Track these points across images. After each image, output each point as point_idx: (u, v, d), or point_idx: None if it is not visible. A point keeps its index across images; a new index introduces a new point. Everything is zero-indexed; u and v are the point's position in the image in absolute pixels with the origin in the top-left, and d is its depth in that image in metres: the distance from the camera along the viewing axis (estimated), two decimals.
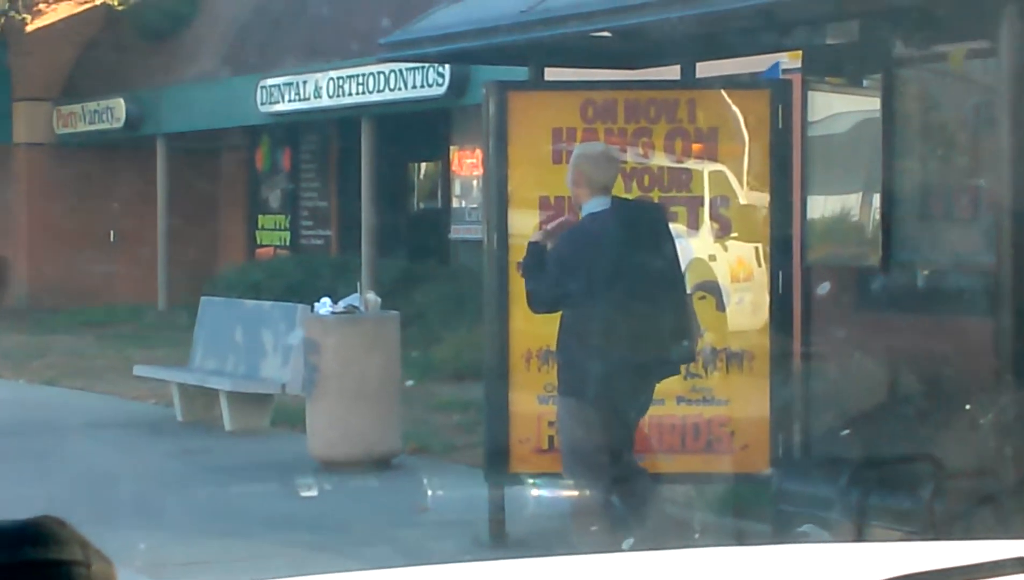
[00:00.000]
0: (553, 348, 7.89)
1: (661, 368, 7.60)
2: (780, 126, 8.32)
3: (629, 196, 8.06)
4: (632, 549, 6.71)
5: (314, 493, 10.16)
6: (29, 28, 24.60)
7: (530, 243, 7.76)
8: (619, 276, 7.28)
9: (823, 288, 9.07)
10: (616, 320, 7.26)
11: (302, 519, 9.27)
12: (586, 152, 7.62)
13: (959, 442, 7.12)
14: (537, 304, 7.59)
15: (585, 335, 7.35)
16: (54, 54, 24.64)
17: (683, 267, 8.00)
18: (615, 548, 7.01)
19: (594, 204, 7.41)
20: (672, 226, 7.83)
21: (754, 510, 8.46)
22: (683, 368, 8.05)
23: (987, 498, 6.63)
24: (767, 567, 1.97)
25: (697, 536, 7.86)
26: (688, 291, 8.25)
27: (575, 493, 7.61)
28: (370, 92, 18.56)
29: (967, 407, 7.30)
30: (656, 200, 8.29)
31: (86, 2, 24.88)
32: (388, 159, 19.70)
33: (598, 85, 8.88)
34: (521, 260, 7.87)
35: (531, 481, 8.35)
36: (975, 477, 6.90)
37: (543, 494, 8.42)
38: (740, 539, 8.12)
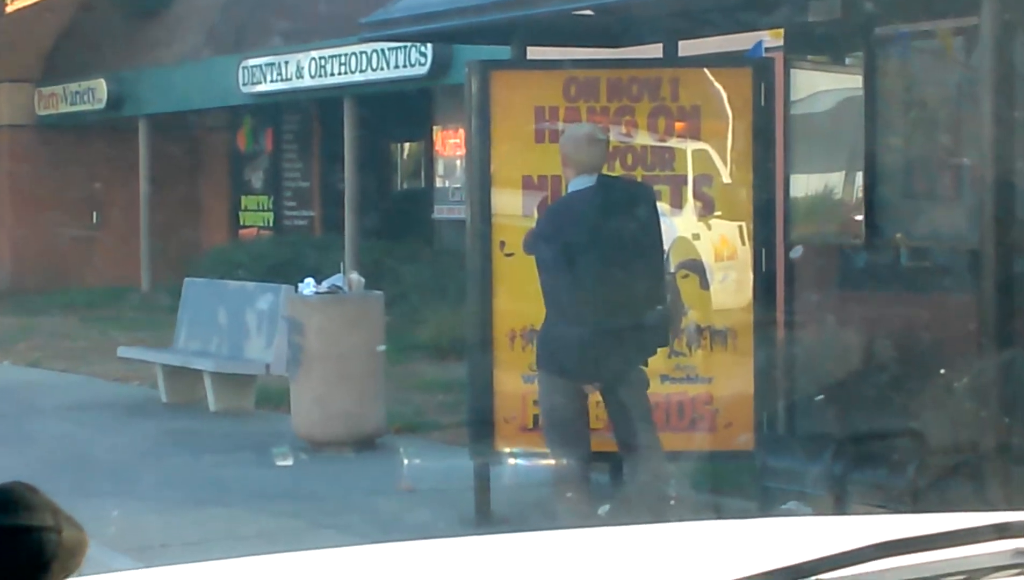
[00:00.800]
0: (537, 327, 7.97)
1: (641, 345, 7.60)
2: (763, 104, 8.31)
3: (614, 175, 8.07)
4: (615, 523, 6.72)
5: (289, 462, 10.18)
6: (9, 9, 24.50)
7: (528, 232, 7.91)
8: (596, 251, 7.33)
9: (796, 252, 9.08)
10: (592, 294, 7.32)
11: (286, 498, 9.28)
12: (569, 134, 7.72)
13: (942, 418, 7.15)
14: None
15: (560, 308, 7.43)
16: (35, 35, 24.55)
17: (667, 247, 8.05)
18: (594, 519, 7.06)
19: (578, 182, 7.52)
20: (659, 207, 7.83)
21: (739, 487, 8.48)
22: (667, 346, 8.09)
23: (970, 473, 6.66)
24: (750, 539, 1.98)
25: (681, 512, 7.89)
26: (671, 271, 8.27)
27: (554, 465, 7.63)
28: (352, 72, 18.52)
29: (950, 383, 7.33)
30: (640, 180, 8.29)
31: None
32: (371, 139, 19.67)
33: (580, 64, 8.87)
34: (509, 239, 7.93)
35: (508, 450, 8.36)
36: (958, 452, 6.93)
37: (521, 465, 8.44)
38: (724, 516, 8.15)
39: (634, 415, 7.55)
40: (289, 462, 10.23)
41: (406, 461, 10.16)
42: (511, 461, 8.52)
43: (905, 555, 1.51)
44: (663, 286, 7.79)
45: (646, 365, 7.71)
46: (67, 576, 1.43)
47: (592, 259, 7.33)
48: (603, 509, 7.91)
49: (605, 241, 7.36)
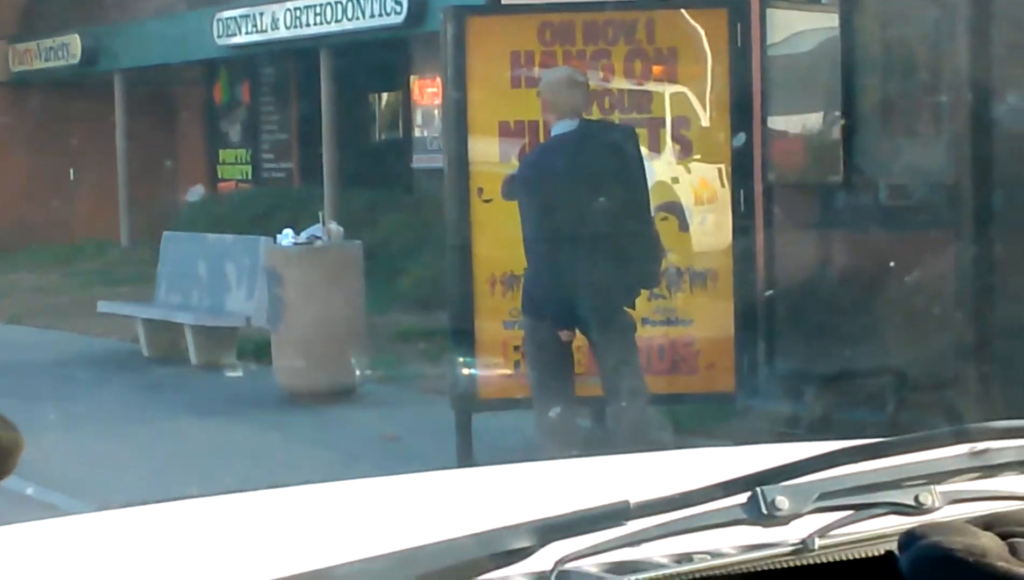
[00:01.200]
0: (517, 272, 8.01)
1: (627, 287, 7.60)
2: (739, 45, 8.29)
3: (596, 118, 8.04)
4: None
5: (239, 373, 10.17)
6: None
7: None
8: (581, 194, 7.29)
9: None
10: (576, 238, 7.30)
11: (268, 448, 9.28)
12: (548, 78, 7.67)
13: (922, 354, 7.17)
14: None
15: (545, 254, 7.40)
16: None
17: (649, 189, 8.05)
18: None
19: (560, 126, 7.46)
20: (642, 150, 7.78)
21: (720, 428, 8.51)
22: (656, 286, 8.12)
23: (949, 408, 6.68)
24: (719, 463, 2.00)
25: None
26: (652, 213, 8.26)
27: (538, 411, 7.63)
28: (328, 22, 18.43)
29: (929, 319, 7.34)
30: (618, 122, 8.27)
31: None
32: (348, 90, 19.59)
33: (555, 7, 8.83)
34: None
35: (490, 397, 8.35)
36: (938, 387, 6.96)
37: (503, 412, 8.48)
38: None
39: (620, 359, 7.55)
40: (239, 373, 10.20)
41: (389, 410, 10.17)
42: (488, 390, 8.49)
43: (866, 462, 1.52)
44: (651, 227, 7.77)
45: (633, 308, 7.70)
46: (2, 477, 1.42)
47: (578, 203, 7.29)
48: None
49: (590, 184, 7.31)
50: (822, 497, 1.48)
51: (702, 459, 2.21)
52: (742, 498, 1.46)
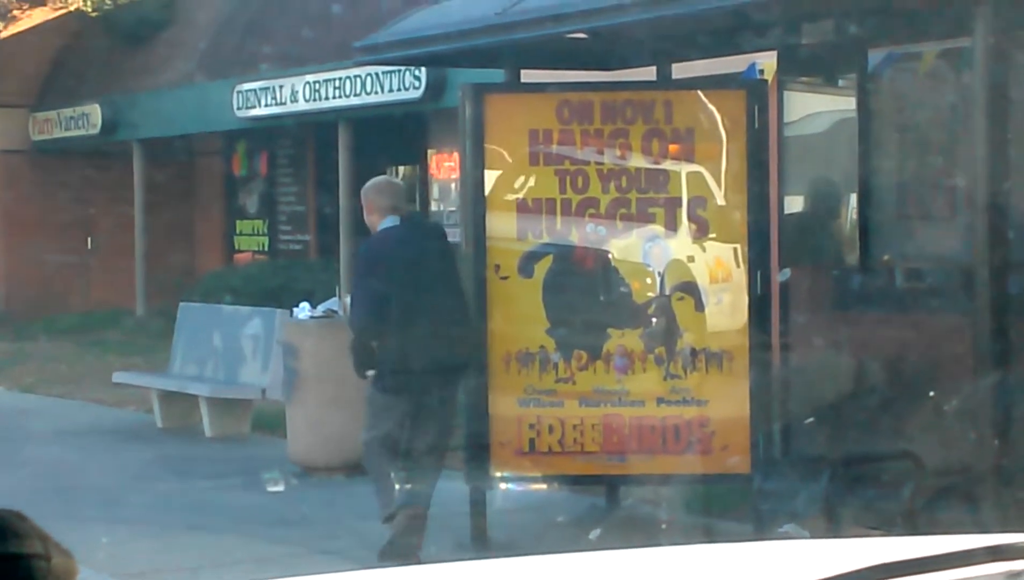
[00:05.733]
0: (532, 350, 8.11)
1: (444, 368, 8.24)
2: (756, 126, 8.32)
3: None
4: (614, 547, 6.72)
5: (281, 487, 10.21)
6: (3, 35, 24.52)
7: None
8: (407, 278, 8.18)
9: (784, 275, 9.09)
10: (404, 318, 8.14)
11: (280, 523, 9.25)
12: (370, 184, 8.74)
13: (937, 439, 7.14)
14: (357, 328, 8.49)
15: (378, 334, 8.27)
16: (29, 60, 24.56)
17: (662, 269, 8.15)
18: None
19: (386, 222, 8.40)
20: (449, 241, 8.74)
21: (735, 510, 8.47)
22: (649, 363, 8.17)
23: (965, 495, 6.65)
24: (745, 563, 1.98)
25: (677, 536, 7.88)
26: (667, 293, 8.29)
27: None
28: (347, 96, 18.53)
29: (944, 405, 7.32)
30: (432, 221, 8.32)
31: (60, 8, 24.81)
32: (366, 163, 19.65)
33: (574, 86, 8.89)
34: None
35: (504, 475, 8.42)
36: (952, 474, 6.92)
37: (517, 489, 8.52)
38: (720, 539, 8.13)
39: (440, 428, 8.29)
40: (280, 487, 10.23)
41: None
42: (505, 486, 8.52)
43: (901, 578, 1.51)
44: (465, 312, 8.37)
45: (458, 378, 8.37)
46: None
47: (407, 284, 8.16)
48: (594, 534, 8.02)
49: (414, 266, 8.21)
50: None
51: (732, 557, 2.17)
52: None
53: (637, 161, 8.39)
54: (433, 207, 20.16)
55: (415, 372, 8.15)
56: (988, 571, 1.55)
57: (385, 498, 8.37)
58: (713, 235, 8.40)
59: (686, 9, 7.99)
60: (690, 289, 8.37)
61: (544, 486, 8.55)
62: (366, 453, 8.54)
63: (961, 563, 1.53)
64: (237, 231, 23.87)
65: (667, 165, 8.40)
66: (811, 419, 8.66)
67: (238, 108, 20.39)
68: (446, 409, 8.35)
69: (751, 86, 8.75)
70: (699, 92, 8.48)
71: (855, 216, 9.07)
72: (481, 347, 8.39)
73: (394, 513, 8.24)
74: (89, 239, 24.42)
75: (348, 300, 11.66)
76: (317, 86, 19.00)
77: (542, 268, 8.38)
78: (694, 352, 8.31)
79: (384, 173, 21.36)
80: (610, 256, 8.45)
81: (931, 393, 7.72)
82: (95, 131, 23.16)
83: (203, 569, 8.09)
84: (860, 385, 8.70)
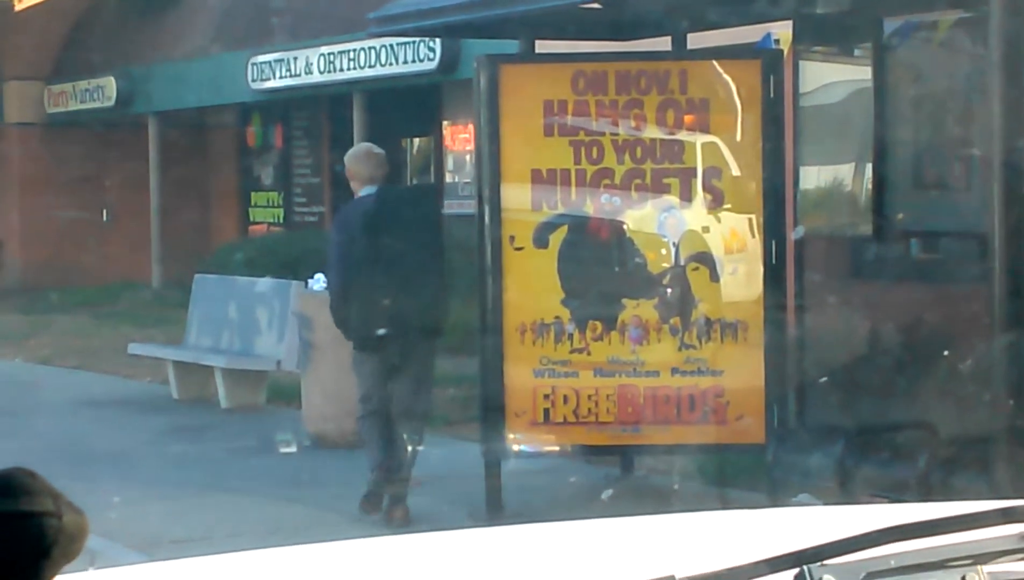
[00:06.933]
0: (547, 320, 8.11)
1: (412, 332, 8.46)
2: (772, 96, 8.30)
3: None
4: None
5: (294, 449, 10.32)
6: (18, 7, 24.52)
7: None
8: (377, 248, 8.38)
9: (798, 232, 9.07)
10: (368, 281, 8.43)
11: (297, 493, 9.28)
12: (351, 152, 9.09)
13: (952, 407, 7.14)
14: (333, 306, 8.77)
15: (345, 297, 8.57)
16: (44, 33, 24.57)
17: (676, 240, 8.14)
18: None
19: (363, 191, 8.67)
20: (438, 208, 9.27)
21: (750, 479, 8.48)
22: (664, 334, 8.20)
23: (980, 462, 6.65)
24: (758, 529, 1.99)
25: (692, 504, 7.89)
26: (681, 264, 8.28)
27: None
28: (361, 67, 18.52)
29: (959, 372, 7.31)
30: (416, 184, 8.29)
31: None
32: (380, 135, 19.62)
33: (589, 57, 8.87)
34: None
35: (519, 444, 8.45)
36: (968, 441, 6.92)
37: (532, 458, 8.60)
38: (735, 507, 8.14)
39: (416, 386, 8.55)
40: (293, 449, 10.33)
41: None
42: (519, 455, 8.54)
43: (911, 540, 1.51)
44: (440, 279, 8.73)
45: (433, 336, 8.70)
46: (68, 561, 1.43)
47: (374, 253, 8.40)
48: (606, 494, 8.15)
49: (386, 239, 8.42)
50: (868, 577, 1.47)
51: (745, 523, 2.18)
52: (788, 576, 1.45)
53: (652, 132, 8.37)
54: (448, 179, 20.15)
55: (378, 332, 8.46)
56: (1000, 533, 1.55)
57: (371, 457, 8.68)
58: (728, 205, 8.39)
59: None
60: (705, 259, 8.37)
61: (559, 454, 8.55)
62: (358, 414, 8.83)
63: (973, 525, 1.54)
64: (252, 203, 23.89)
65: (682, 135, 8.38)
66: (827, 389, 8.66)
67: (253, 80, 20.38)
68: (417, 371, 8.56)
69: (766, 56, 8.72)
70: (714, 62, 8.46)
71: (870, 185, 9.05)
72: (447, 310, 8.85)
73: (375, 471, 8.61)
74: (104, 211, 24.46)
75: None
76: (331, 58, 18.99)
77: (557, 239, 8.38)
78: (709, 322, 8.31)
79: (400, 144, 21.46)
80: (625, 227, 8.44)
81: (945, 361, 7.71)
82: (110, 103, 23.18)
83: (218, 538, 8.12)
84: (874, 354, 8.69)
